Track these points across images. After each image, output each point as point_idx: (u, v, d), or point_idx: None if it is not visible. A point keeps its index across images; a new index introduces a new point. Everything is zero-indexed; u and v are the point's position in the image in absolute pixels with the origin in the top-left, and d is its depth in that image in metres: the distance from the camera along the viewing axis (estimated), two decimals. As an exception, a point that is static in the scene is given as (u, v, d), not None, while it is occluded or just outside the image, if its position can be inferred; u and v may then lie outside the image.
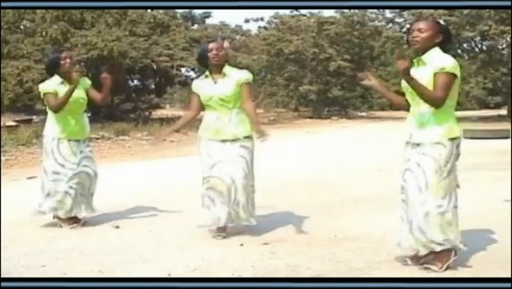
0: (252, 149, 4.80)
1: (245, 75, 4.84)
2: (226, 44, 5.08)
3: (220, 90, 4.73)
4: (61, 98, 5.14)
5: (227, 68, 4.79)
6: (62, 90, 5.19)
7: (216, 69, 4.78)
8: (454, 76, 3.63)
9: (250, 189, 4.78)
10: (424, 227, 3.65)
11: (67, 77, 5.20)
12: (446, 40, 3.75)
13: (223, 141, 4.73)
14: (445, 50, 3.73)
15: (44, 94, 5.27)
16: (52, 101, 5.18)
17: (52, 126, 5.26)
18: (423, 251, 3.72)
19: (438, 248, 3.68)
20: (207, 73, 4.83)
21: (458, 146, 3.71)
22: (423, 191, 3.64)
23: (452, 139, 3.66)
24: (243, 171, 4.68)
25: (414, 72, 3.69)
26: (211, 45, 4.79)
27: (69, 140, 5.23)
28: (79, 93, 5.30)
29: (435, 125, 3.65)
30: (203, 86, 4.81)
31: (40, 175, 5.41)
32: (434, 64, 3.62)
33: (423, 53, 3.70)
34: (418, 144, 3.70)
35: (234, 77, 4.77)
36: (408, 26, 32.03)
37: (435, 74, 3.60)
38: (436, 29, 3.71)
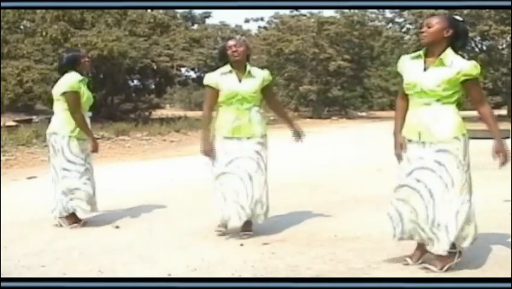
0: (267, 145, 4.83)
1: (268, 75, 4.88)
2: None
3: (246, 87, 4.70)
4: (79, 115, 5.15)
5: (251, 67, 4.78)
6: (82, 86, 5.22)
7: (237, 66, 4.74)
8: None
9: (265, 186, 4.78)
10: (451, 228, 3.62)
11: (83, 75, 5.25)
12: (456, 36, 3.70)
13: (240, 138, 4.73)
14: (455, 46, 3.71)
15: (68, 92, 5.15)
16: (75, 101, 5.14)
17: (62, 124, 5.21)
18: (442, 251, 3.66)
19: (465, 246, 3.68)
20: (230, 68, 4.76)
21: (468, 139, 3.75)
22: (450, 189, 3.62)
23: (463, 133, 3.70)
24: (259, 167, 4.70)
25: (432, 70, 3.67)
26: (230, 42, 4.79)
27: (78, 138, 5.24)
28: (89, 92, 5.34)
29: (449, 121, 3.66)
30: (227, 81, 4.73)
31: (51, 175, 5.37)
32: (458, 69, 3.63)
33: (435, 49, 3.68)
34: (430, 143, 3.68)
35: (258, 76, 4.78)
36: (408, 26, 32.03)
37: (466, 82, 3.65)
38: (445, 24, 3.67)
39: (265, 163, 4.78)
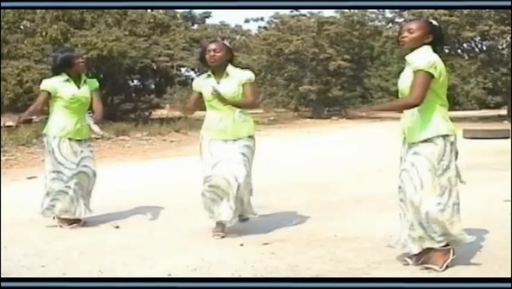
0: (253, 148, 4.82)
1: (247, 75, 4.83)
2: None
3: (223, 90, 4.70)
4: (34, 107, 5.21)
5: (230, 68, 4.78)
6: (66, 88, 5.20)
7: (217, 69, 4.77)
8: (429, 74, 3.62)
9: (250, 188, 4.81)
10: (426, 224, 3.67)
11: (74, 77, 5.25)
12: (436, 41, 3.77)
13: (226, 140, 4.73)
14: (436, 50, 3.76)
15: (41, 89, 5.27)
16: (40, 99, 5.22)
17: (53, 124, 5.24)
18: (425, 245, 3.73)
19: (438, 245, 3.70)
20: (209, 72, 4.82)
21: (452, 143, 3.72)
22: (419, 191, 3.66)
23: (444, 136, 3.68)
24: (245, 169, 4.69)
25: (404, 72, 3.79)
26: (210, 46, 4.79)
27: (70, 139, 5.22)
28: (83, 92, 5.30)
29: (424, 124, 3.69)
30: (206, 85, 4.79)
31: (44, 175, 5.39)
32: (412, 64, 3.68)
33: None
34: (411, 144, 3.74)
35: (236, 77, 4.77)
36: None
37: (413, 72, 3.66)
38: (426, 30, 3.74)
39: (250, 165, 4.77)
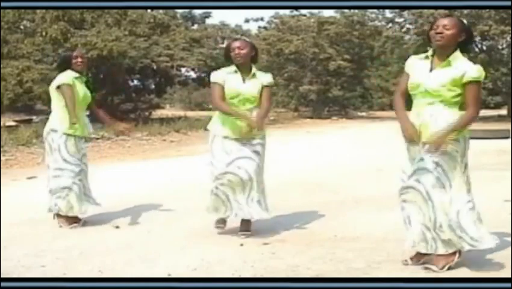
0: (265, 145, 4.84)
1: (268, 78, 4.84)
2: None
3: (249, 89, 4.72)
4: (72, 101, 5.14)
5: (254, 69, 4.78)
6: (78, 83, 5.25)
7: (243, 68, 4.75)
8: (481, 83, 3.70)
9: (262, 185, 4.80)
10: (456, 224, 3.63)
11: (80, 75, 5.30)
12: (467, 40, 3.76)
13: (241, 139, 4.73)
14: (464, 50, 3.75)
15: (60, 85, 5.20)
16: (69, 92, 5.15)
17: (60, 121, 5.23)
18: (451, 249, 3.68)
19: (467, 247, 3.66)
20: (235, 69, 4.77)
21: (468, 140, 3.76)
22: (448, 191, 3.63)
23: (464, 136, 3.71)
24: (258, 167, 4.71)
25: (438, 71, 3.69)
26: (234, 43, 4.77)
27: (75, 137, 5.25)
28: (87, 90, 5.35)
29: (449, 123, 3.65)
30: (231, 81, 4.74)
31: (47, 173, 5.39)
32: (463, 71, 3.64)
33: (444, 50, 3.69)
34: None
35: (260, 78, 4.78)
36: (408, 26, 31.95)
37: (466, 83, 3.63)
38: (460, 28, 3.69)
39: (262, 162, 4.80)
